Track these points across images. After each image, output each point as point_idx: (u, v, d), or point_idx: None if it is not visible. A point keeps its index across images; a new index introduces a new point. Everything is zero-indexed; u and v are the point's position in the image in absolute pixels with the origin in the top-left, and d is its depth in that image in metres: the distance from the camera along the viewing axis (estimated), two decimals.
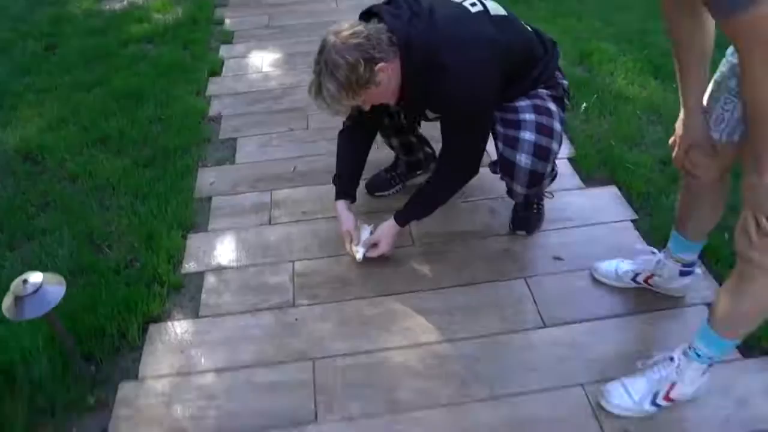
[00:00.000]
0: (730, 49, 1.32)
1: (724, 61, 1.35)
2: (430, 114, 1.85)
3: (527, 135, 1.74)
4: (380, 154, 2.24)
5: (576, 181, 2.32)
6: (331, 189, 2.09)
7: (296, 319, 1.85)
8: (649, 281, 1.82)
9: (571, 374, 1.64)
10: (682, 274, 1.76)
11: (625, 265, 1.87)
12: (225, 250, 2.10)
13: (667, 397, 1.51)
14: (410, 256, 2.03)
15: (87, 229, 2.19)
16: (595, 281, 1.91)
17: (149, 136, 2.68)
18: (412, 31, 1.59)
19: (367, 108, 1.72)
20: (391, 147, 2.19)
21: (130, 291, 1.92)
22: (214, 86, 3.10)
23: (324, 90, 1.59)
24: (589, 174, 2.35)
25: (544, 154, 1.76)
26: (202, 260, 2.07)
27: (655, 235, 2.05)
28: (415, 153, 2.21)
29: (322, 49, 1.59)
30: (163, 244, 2.08)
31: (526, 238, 2.08)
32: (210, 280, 1.99)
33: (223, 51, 3.44)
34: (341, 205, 1.99)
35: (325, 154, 2.51)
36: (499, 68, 1.65)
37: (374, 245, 1.95)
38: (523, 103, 1.78)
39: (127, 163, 2.51)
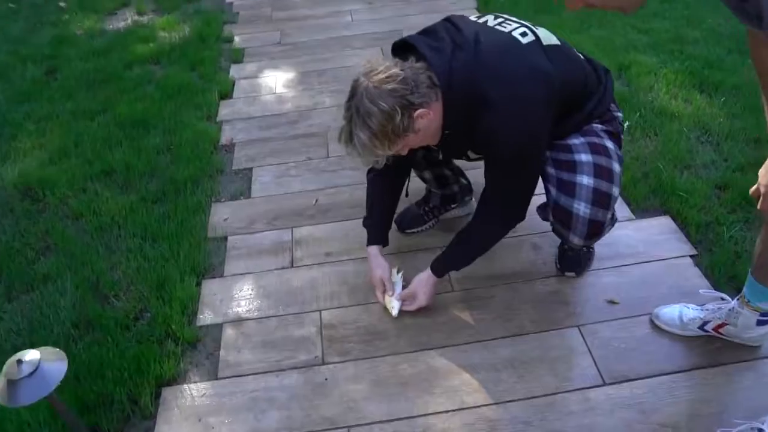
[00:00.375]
0: None
1: None
2: (472, 154, 1.68)
3: (585, 179, 1.56)
4: (411, 185, 2.06)
5: (625, 211, 2.13)
6: (357, 225, 1.93)
7: (326, 379, 1.67)
8: (721, 330, 1.63)
9: None
10: (761, 323, 1.57)
11: (690, 312, 1.68)
12: (244, 298, 1.93)
13: None
14: (449, 303, 1.85)
15: (92, 275, 2.03)
16: (657, 329, 1.73)
17: (157, 168, 2.52)
18: (455, 65, 1.41)
19: (404, 153, 1.54)
20: (424, 180, 2.01)
21: (141, 349, 1.75)
22: (225, 110, 2.94)
23: (355, 138, 1.41)
24: (639, 203, 2.16)
25: (604, 202, 1.58)
26: (219, 310, 1.90)
27: (717, 273, 1.87)
28: (449, 186, 2.03)
29: (353, 93, 1.42)
30: (176, 293, 1.92)
31: (575, 280, 1.90)
32: (228, 333, 1.82)
33: (234, 71, 3.28)
34: (373, 250, 1.82)
35: (349, 185, 2.34)
36: (552, 105, 1.47)
37: (411, 296, 1.77)
38: (576, 140, 1.60)
39: (134, 199, 2.35)
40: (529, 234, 2.05)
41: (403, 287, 1.82)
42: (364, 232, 1.88)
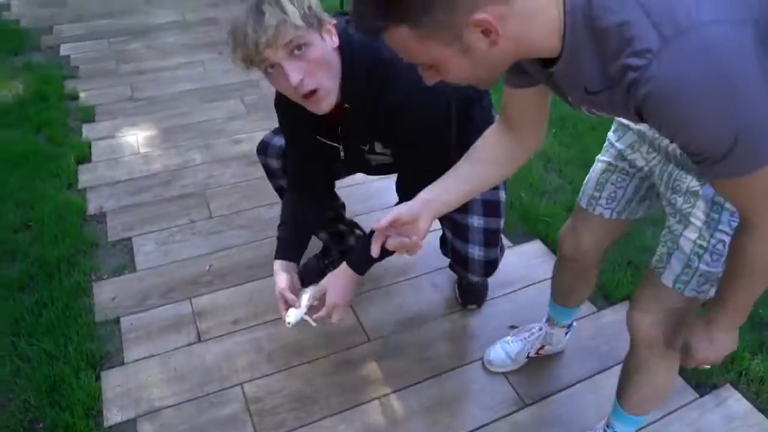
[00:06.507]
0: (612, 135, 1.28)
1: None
2: (376, 150, 1.49)
3: (476, 221, 1.56)
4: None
5: (504, 239, 2.23)
6: (260, 287, 1.79)
7: None
8: (540, 351, 1.76)
9: None
10: (566, 333, 1.78)
11: (513, 346, 1.75)
12: (154, 385, 1.69)
13: None
14: (368, 354, 1.79)
15: None
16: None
17: (18, 250, 2.14)
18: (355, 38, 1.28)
19: (296, 82, 1.20)
20: (320, 239, 1.94)
21: None
22: (86, 176, 2.59)
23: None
24: (512, 231, 2.28)
25: (494, 239, 1.60)
26: (127, 404, 1.64)
27: None
28: (345, 241, 1.98)
29: None
30: (74, 395, 1.62)
31: (477, 311, 1.95)
32: (146, 429, 1.58)
33: (87, 132, 2.91)
34: (277, 264, 1.53)
35: (240, 245, 2.18)
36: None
37: (316, 305, 1.44)
38: None
39: None
40: (426, 273, 2.07)
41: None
42: (268, 295, 1.74)
